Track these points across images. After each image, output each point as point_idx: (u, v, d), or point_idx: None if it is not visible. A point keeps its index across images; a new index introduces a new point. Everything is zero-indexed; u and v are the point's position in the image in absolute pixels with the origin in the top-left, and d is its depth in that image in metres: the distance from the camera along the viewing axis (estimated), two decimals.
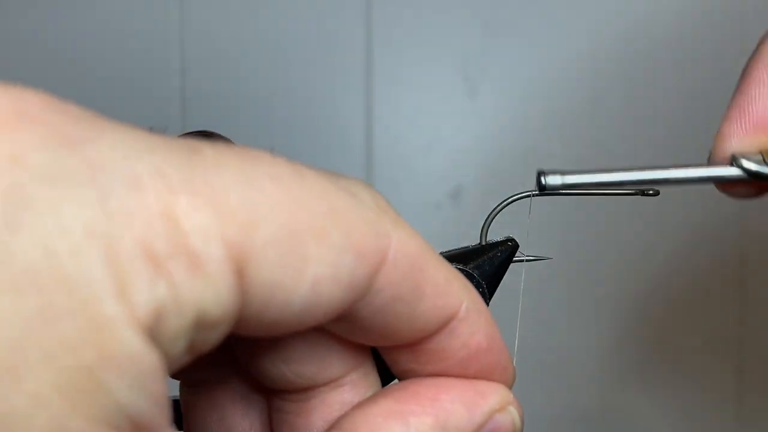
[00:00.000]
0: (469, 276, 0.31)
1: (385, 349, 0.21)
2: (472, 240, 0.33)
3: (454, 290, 0.20)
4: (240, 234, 0.16)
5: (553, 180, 0.25)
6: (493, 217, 0.32)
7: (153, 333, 0.15)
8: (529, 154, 0.64)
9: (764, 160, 0.24)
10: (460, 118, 0.64)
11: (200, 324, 0.16)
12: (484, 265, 0.32)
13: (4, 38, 0.64)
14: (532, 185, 0.33)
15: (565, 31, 0.63)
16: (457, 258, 0.32)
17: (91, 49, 0.64)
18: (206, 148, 0.17)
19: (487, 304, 0.31)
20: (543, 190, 0.25)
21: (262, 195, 0.16)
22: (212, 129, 0.37)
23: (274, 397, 0.22)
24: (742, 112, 0.25)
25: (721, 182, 0.25)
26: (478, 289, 0.31)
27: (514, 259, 0.32)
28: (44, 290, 0.14)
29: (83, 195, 0.15)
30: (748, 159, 0.24)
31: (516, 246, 0.32)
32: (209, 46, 0.64)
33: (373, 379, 0.22)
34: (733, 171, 0.25)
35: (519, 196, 0.32)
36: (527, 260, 0.33)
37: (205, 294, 0.16)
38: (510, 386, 0.22)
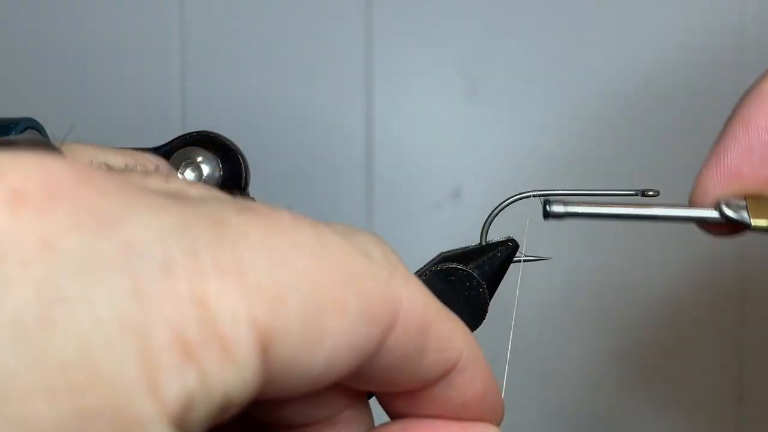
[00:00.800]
0: (469, 276, 0.31)
1: (383, 396, 0.22)
2: (472, 240, 0.33)
3: (456, 342, 0.21)
4: (267, 313, 0.16)
5: (557, 208, 0.28)
6: (494, 218, 0.32)
7: (181, 422, 0.15)
8: (529, 155, 0.64)
9: (746, 207, 0.27)
10: (460, 118, 0.64)
11: (225, 406, 0.16)
12: (484, 265, 0.32)
13: (3, 38, 0.64)
14: (531, 186, 0.33)
15: (565, 31, 0.63)
16: (458, 258, 0.32)
17: (91, 49, 0.64)
18: (232, 216, 0.17)
19: (488, 303, 0.31)
20: (547, 217, 0.28)
21: (287, 269, 0.16)
22: (212, 129, 0.37)
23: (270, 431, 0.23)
24: (718, 161, 0.28)
25: (703, 222, 0.29)
26: (478, 290, 0.31)
27: (514, 259, 0.32)
28: (79, 391, 0.14)
29: (117, 283, 0.14)
30: (730, 206, 0.27)
31: (516, 246, 0.32)
32: (209, 46, 0.64)
33: (367, 415, 0.23)
34: (713, 214, 0.28)
35: (519, 196, 0.32)
36: (527, 260, 0.33)
37: (233, 378, 0.16)
38: (499, 425, 0.23)
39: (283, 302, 0.16)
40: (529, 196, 0.32)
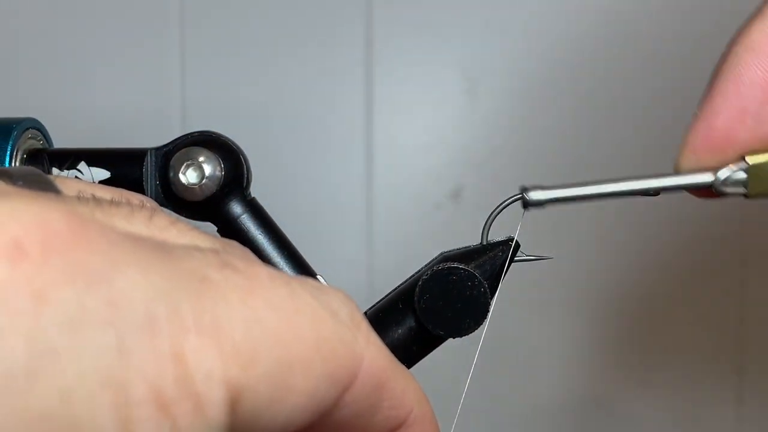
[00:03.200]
0: (471, 276, 0.31)
1: None
2: (472, 240, 0.33)
3: (407, 399, 0.22)
4: (240, 372, 0.17)
5: (536, 195, 0.26)
6: (494, 217, 0.32)
7: None
8: (529, 154, 0.64)
9: (746, 180, 0.24)
10: (460, 118, 0.64)
11: None
12: (485, 264, 0.32)
13: (4, 38, 0.64)
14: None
15: (565, 31, 0.64)
16: (459, 258, 0.32)
17: (90, 49, 0.64)
18: (213, 274, 0.17)
19: (489, 303, 0.31)
20: (527, 206, 0.26)
21: (262, 329, 0.17)
22: (212, 129, 0.37)
23: None
24: (708, 125, 0.25)
25: (696, 189, 0.26)
26: (479, 289, 0.31)
27: (515, 258, 0.33)
28: None
29: (102, 338, 0.15)
30: (727, 182, 0.25)
31: (517, 246, 0.32)
32: (209, 45, 0.64)
33: None
34: (707, 179, 0.25)
35: (519, 196, 0.32)
36: (528, 260, 0.33)
37: None
38: None
39: (255, 362, 0.17)
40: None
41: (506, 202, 0.32)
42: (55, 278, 0.15)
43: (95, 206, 0.18)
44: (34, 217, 0.15)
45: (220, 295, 0.17)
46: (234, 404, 0.17)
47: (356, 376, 0.19)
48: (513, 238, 0.32)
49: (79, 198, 0.19)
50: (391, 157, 0.64)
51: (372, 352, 0.20)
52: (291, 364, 0.18)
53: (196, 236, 0.20)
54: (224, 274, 0.18)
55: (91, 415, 0.15)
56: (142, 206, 0.20)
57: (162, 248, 0.17)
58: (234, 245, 0.20)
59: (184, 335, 0.16)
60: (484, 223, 0.33)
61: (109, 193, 0.21)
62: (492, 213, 0.32)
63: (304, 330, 0.18)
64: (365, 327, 0.20)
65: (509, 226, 0.33)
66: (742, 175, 0.25)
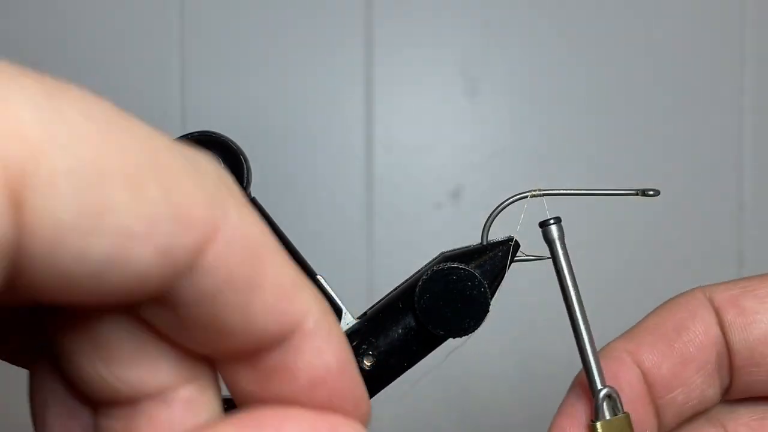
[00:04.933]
0: (471, 275, 0.31)
1: (223, 365, 0.19)
2: (472, 240, 0.33)
3: (302, 298, 0.18)
4: (23, 156, 0.14)
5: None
6: (494, 217, 0.32)
7: None
8: (529, 154, 0.64)
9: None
10: (460, 118, 0.64)
11: None
12: (486, 264, 0.32)
13: (4, 39, 0.64)
14: (531, 185, 0.33)
15: (565, 30, 0.64)
16: (459, 257, 0.32)
17: (91, 50, 0.64)
18: (58, 82, 0.15)
19: (489, 303, 0.31)
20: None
21: (65, 125, 0.15)
22: (212, 129, 0.37)
23: (100, 414, 0.20)
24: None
25: None
26: (480, 289, 0.31)
27: (515, 258, 0.33)
28: None
29: None
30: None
31: (517, 246, 0.32)
32: (209, 46, 0.64)
33: (212, 396, 0.20)
34: None
35: (519, 196, 0.32)
36: (528, 260, 0.33)
37: None
38: (365, 423, 0.20)
39: (47, 154, 0.14)
40: (528, 197, 0.32)
41: (507, 202, 0.32)
42: None
43: None
44: None
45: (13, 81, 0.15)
46: (20, 196, 0.14)
47: (218, 228, 0.16)
48: (513, 238, 0.33)
49: None
50: (391, 157, 0.64)
51: (244, 215, 0.17)
52: (106, 174, 0.15)
53: None
54: (58, 84, 0.15)
55: None
56: None
57: None
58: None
59: None
60: (484, 223, 0.33)
61: None
62: (491, 213, 0.32)
63: (131, 148, 0.15)
64: (239, 195, 0.17)
65: (509, 225, 0.33)
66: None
